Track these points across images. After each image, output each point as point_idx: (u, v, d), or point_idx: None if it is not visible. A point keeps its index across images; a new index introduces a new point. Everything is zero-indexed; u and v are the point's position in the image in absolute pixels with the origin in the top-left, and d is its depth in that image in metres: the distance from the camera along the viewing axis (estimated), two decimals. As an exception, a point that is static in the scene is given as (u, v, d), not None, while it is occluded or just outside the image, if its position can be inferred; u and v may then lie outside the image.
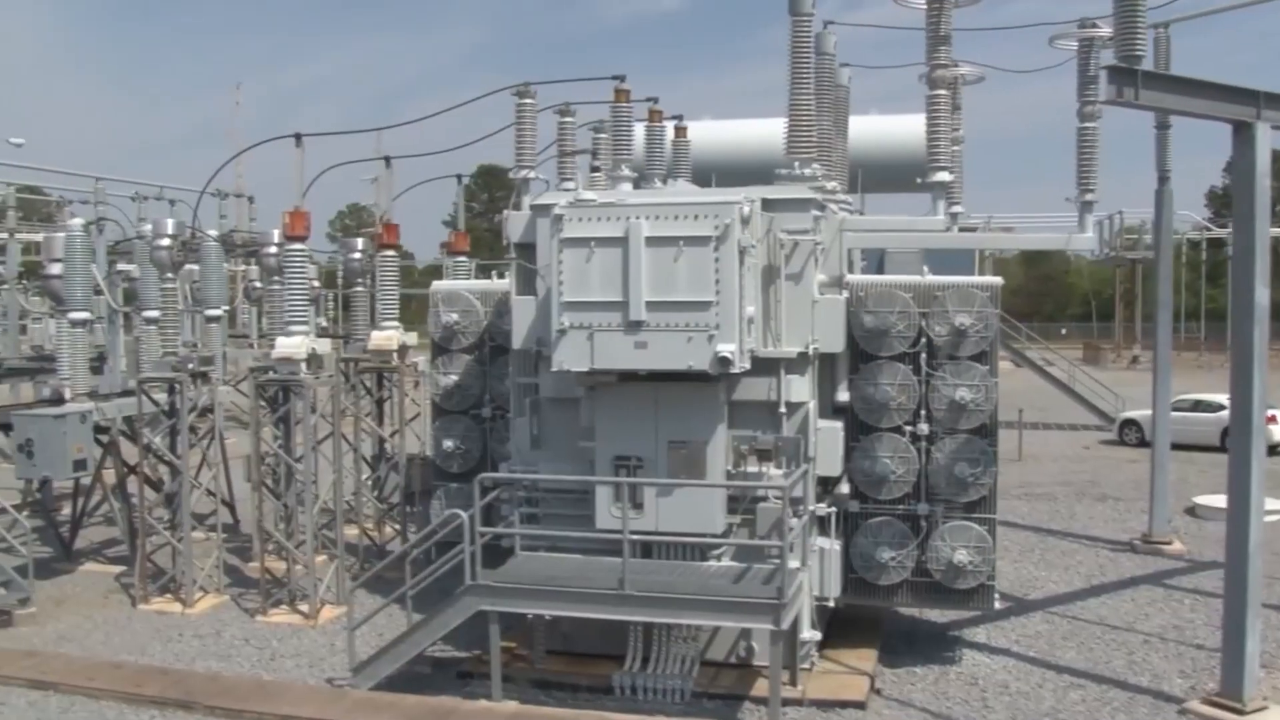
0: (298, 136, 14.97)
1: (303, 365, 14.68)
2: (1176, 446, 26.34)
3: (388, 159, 16.82)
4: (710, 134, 20.40)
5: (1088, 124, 13.31)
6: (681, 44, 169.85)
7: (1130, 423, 31.12)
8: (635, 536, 11.63)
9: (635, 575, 11.44)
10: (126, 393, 17.89)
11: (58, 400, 17.18)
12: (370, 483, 18.58)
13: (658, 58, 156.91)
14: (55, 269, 17.31)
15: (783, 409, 12.41)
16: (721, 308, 11.52)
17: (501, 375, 14.57)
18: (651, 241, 11.61)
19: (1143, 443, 28.16)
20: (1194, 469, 25.97)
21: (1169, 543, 18.76)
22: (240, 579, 16.84)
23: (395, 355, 16.74)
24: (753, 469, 12.44)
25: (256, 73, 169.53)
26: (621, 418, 12.31)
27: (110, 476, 17.66)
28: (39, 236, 25.69)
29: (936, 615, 14.75)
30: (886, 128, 22.05)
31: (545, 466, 12.98)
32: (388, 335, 16.62)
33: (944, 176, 13.31)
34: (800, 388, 12.47)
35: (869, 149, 19.24)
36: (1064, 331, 76.62)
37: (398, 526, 17.79)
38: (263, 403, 15.29)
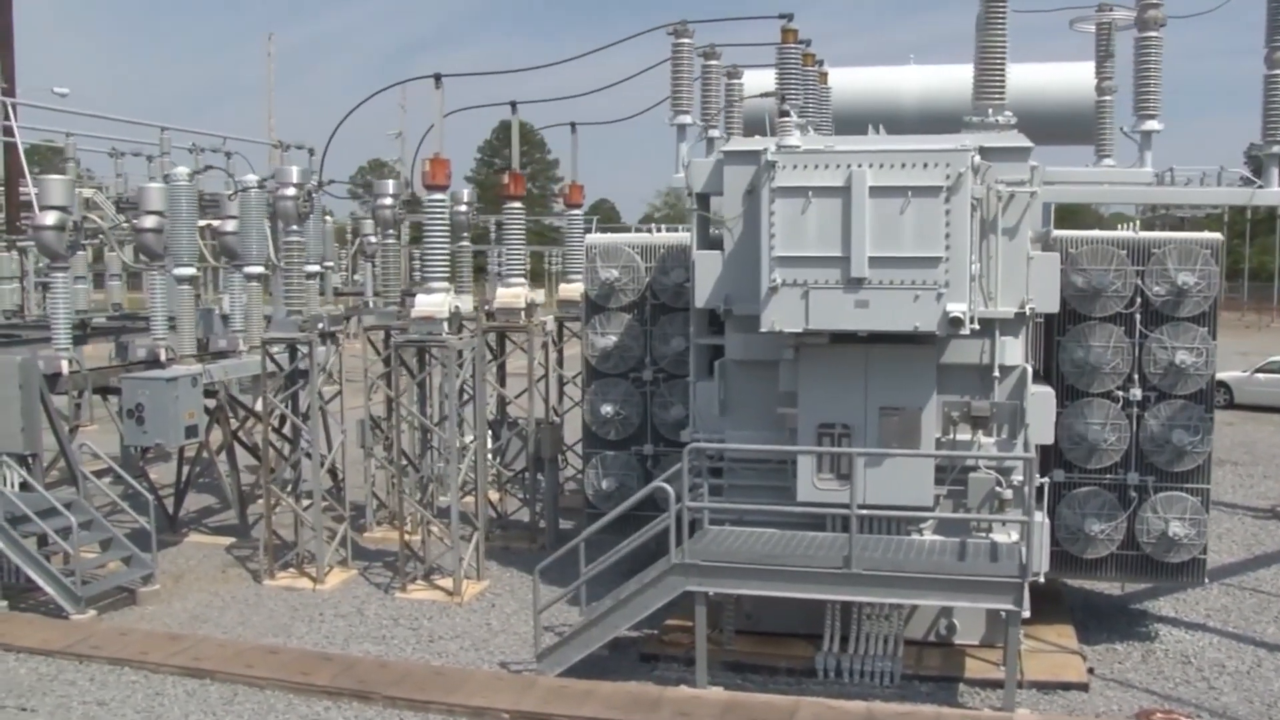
0: (437, 77, 13.99)
1: (444, 325, 13.75)
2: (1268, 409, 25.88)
3: (514, 104, 15.79)
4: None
5: (1277, 70, 12.52)
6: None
7: (1220, 384, 30.49)
8: (864, 511, 10.81)
9: (860, 553, 10.65)
10: (217, 354, 16.98)
11: (154, 361, 16.23)
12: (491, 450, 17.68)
13: (703, 7, 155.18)
14: (149, 222, 16.19)
15: (996, 373, 11.61)
16: (952, 264, 10.68)
17: (665, 336, 13.70)
18: (876, 191, 10.74)
19: (1231, 404, 27.58)
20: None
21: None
22: (358, 551, 15.91)
23: (523, 314, 15.76)
24: (963, 436, 11.67)
25: (262, 30, 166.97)
26: (829, 383, 11.48)
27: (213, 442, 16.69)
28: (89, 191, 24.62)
29: (1105, 587, 14.08)
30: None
31: (733, 434, 12.14)
32: (515, 293, 15.65)
33: (1153, 125, 12.50)
34: (1014, 350, 11.66)
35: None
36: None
37: (521, 495, 16.94)
38: (399, 365, 14.32)
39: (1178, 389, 12.01)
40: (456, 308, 13.88)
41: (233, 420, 16.85)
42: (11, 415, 13.84)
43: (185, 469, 16.93)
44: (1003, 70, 12.57)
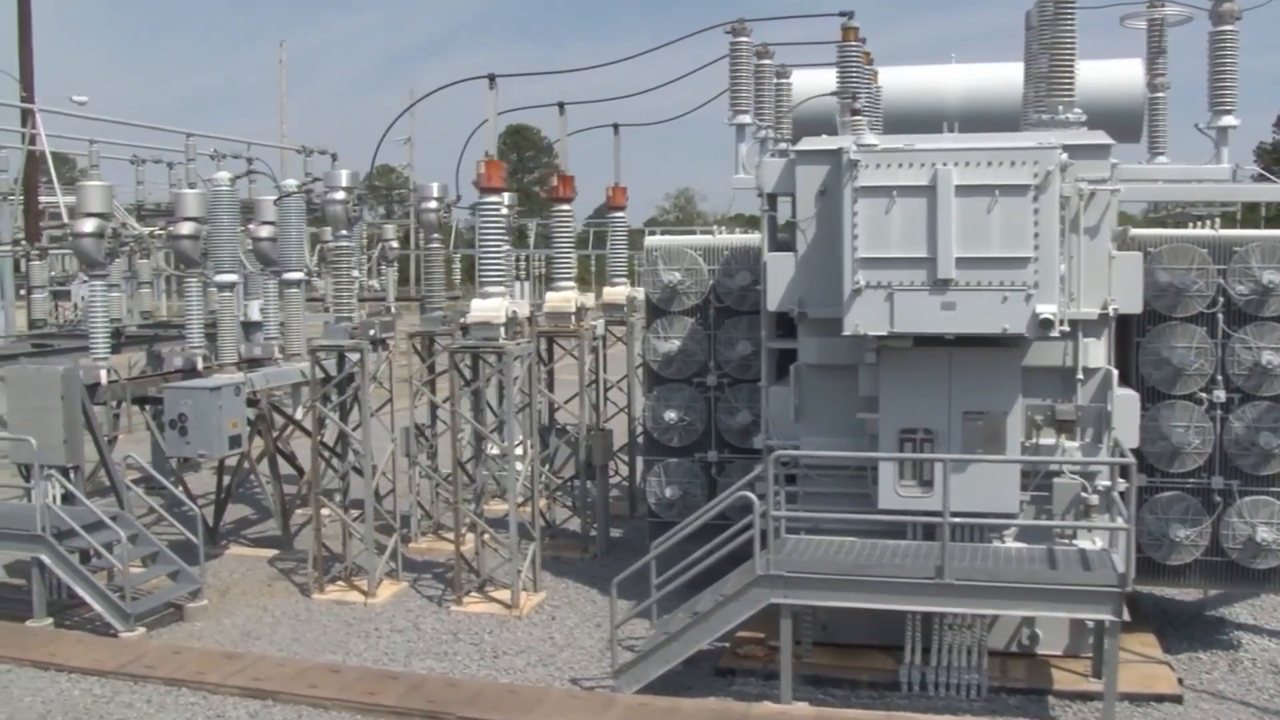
0: (491, 78, 13.69)
1: (502, 330, 13.41)
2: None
3: (561, 105, 15.47)
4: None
5: None
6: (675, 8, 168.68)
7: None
8: (956, 520, 10.47)
9: (954, 563, 10.33)
10: (252, 361, 16.62)
11: (191, 370, 15.89)
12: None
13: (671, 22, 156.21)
14: (185, 228, 15.84)
15: (1080, 375, 11.30)
16: (1041, 264, 10.36)
17: (730, 340, 13.36)
18: (962, 190, 10.43)
19: None
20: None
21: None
22: (405, 562, 15.52)
23: (573, 318, 15.42)
24: (1046, 441, 11.37)
25: (260, 39, 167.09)
26: (911, 387, 11.15)
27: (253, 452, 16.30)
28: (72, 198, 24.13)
29: (1176, 593, 13.76)
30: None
31: (808, 440, 11.81)
32: (565, 297, 15.29)
33: (1229, 121, 12.23)
34: (1097, 352, 11.36)
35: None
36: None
37: (569, 504, 16.60)
38: (454, 371, 13.96)
39: (1263, 390, 11.72)
40: (514, 312, 13.55)
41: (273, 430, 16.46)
42: (54, 427, 13.46)
43: (225, 480, 16.52)
44: (1072, 66, 12.30)
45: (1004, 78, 19.44)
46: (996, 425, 11.06)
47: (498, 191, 13.47)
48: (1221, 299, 11.74)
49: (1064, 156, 10.45)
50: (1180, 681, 11.31)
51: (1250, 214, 58.94)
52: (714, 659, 11.96)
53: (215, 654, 12.21)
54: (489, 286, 13.51)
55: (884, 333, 10.69)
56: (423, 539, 16.80)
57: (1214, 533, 11.92)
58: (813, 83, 17.01)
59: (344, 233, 14.16)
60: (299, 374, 16.24)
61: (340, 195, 13.98)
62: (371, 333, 14.13)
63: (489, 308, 13.41)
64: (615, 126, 17.24)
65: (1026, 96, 13.97)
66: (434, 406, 16.67)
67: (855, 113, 12.10)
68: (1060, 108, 12.18)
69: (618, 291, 17.19)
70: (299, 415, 17.33)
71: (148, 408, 15.93)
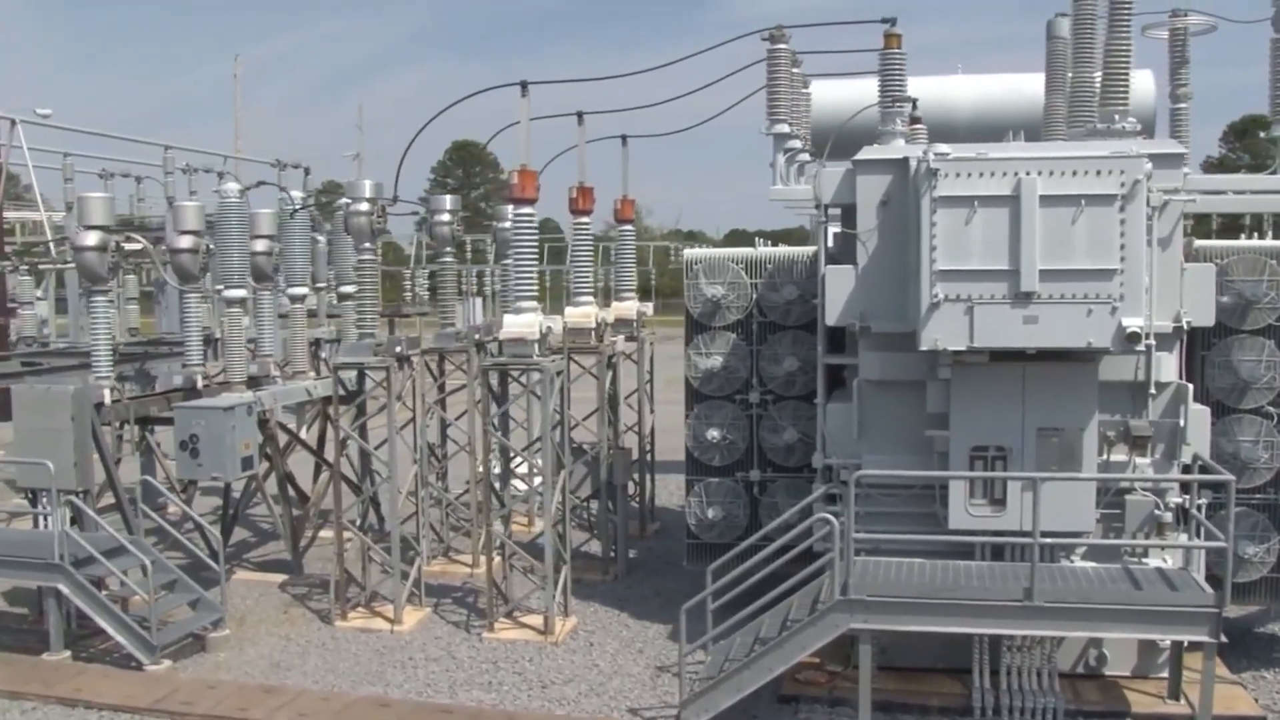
0: (524, 85, 13.13)
1: (535, 347, 12.89)
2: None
3: (580, 114, 14.94)
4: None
5: None
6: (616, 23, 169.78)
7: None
8: (1046, 541, 10.13)
9: (1042, 584, 9.99)
10: (249, 380, 15.90)
11: (191, 389, 15.17)
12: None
13: (604, 40, 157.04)
14: (184, 242, 15.10)
15: (1152, 390, 11.04)
16: (1127, 276, 10.06)
17: (775, 355, 12.95)
18: (1046, 200, 10.11)
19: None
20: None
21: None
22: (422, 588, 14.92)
23: (593, 335, 14.91)
24: (1118, 458, 11.09)
25: (214, 53, 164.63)
26: (984, 402, 10.80)
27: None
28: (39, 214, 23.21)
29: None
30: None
31: (869, 458, 11.42)
32: (585, 313, 14.77)
33: (1289, 130, 12.08)
34: (1169, 366, 11.11)
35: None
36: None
37: (587, 525, 16.08)
38: (486, 389, 13.41)
39: (1332, 404, 11.57)
40: (549, 328, 13.03)
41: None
42: (64, 449, 12.73)
43: (229, 502, 15.79)
44: (1128, 75, 12.10)
45: (1014, 88, 19.37)
46: (1072, 442, 10.76)
47: (531, 202, 12.93)
48: (1289, 312, 11.56)
49: (1149, 166, 10.17)
50: (1255, 700, 11.09)
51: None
52: (773, 686, 11.49)
53: (253, 688, 11.55)
54: (522, 301, 12.98)
55: (963, 347, 10.32)
56: (434, 562, 16.16)
57: (1280, 549, 11.72)
58: (832, 94, 16.81)
59: (367, 245, 13.54)
60: (304, 392, 15.58)
61: (364, 207, 13.38)
62: (398, 349, 13.52)
63: (522, 323, 12.88)
64: (623, 138, 16.73)
65: (1050, 106, 13.75)
66: (444, 425, 16.08)
67: (915, 120, 11.76)
68: (1116, 116, 11.97)
69: (627, 306, 16.71)
70: (303, 434, 16.64)
71: (130, 428, 15.01)
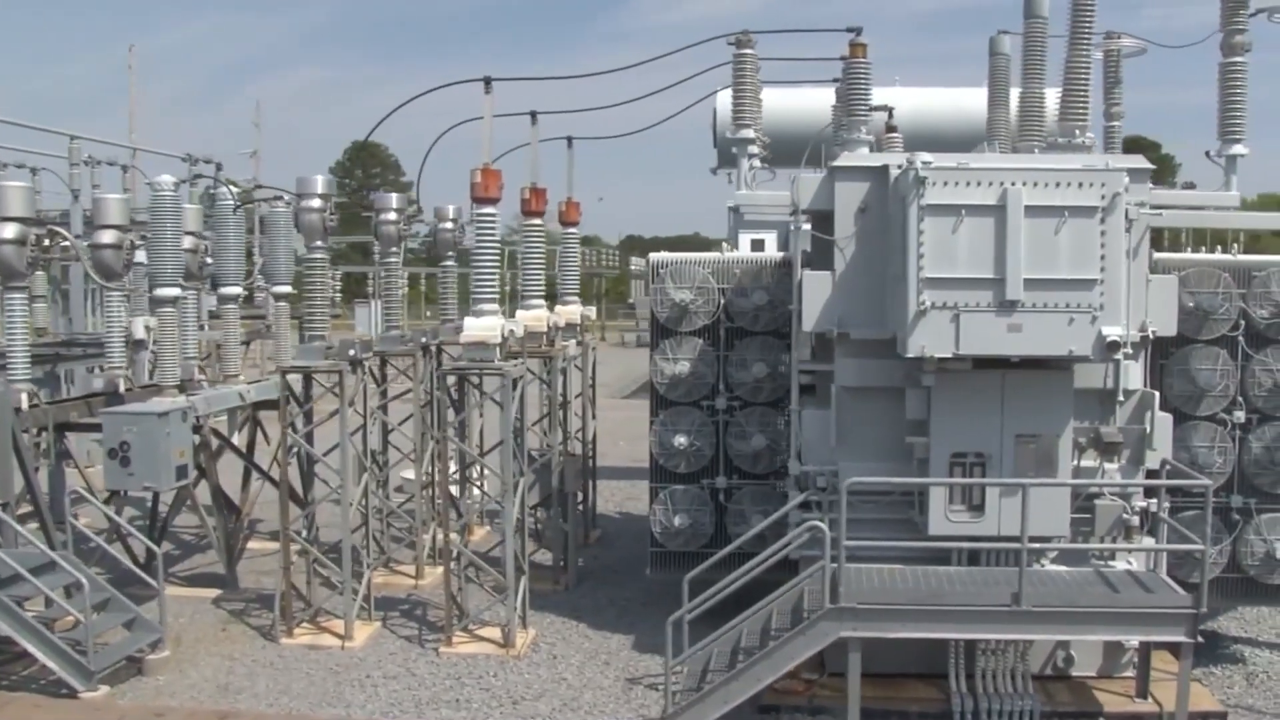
0: (487, 81, 12.81)
1: (497, 351, 12.57)
2: None
3: (534, 114, 14.62)
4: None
5: None
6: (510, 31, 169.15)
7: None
8: (1034, 546, 10.27)
9: (1029, 589, 10.11)
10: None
11: (114, 394, 14.44)
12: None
13: (490, 43, 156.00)
14: (107, 237, 14.33)
15: (1121, 397, 11.29)
16: (1107, 286, 10.25)
17: (744, 361, 12.86)
18: (1031, 211, 10.23)
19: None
20: None
21: None
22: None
23: (545, 339, 14.62)
24: (1088, 463, 11.31)
25: (99, 44, 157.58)
26: (964, 409, 10.88)
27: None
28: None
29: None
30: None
31: (846, 465, 11.41)
32: (537, 316, 14.44)
33: (1239, 150, 12.50)
34: (1135, 374, 11.38)
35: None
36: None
37: (535, 533, 15.76)
38: (445, 394, 13.02)
39: (1281, 411, 12.01)
40: (511, 331, 12.72)
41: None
42: (-15, 458, 11.93)
43: (156, 513, 15.02)
44: (1088, 91, 12.38)
45: (951, 102, 19.70)
46: (1049, 448, 10.92)
47: (494, 202, 12.61)
48: (1243, 322, 11.94)
49: (1127, 179, 10.39)
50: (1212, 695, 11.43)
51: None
52: (753, 697, 11.38)
53: (205, 714, 10.99)
54: (483, 304, 12.65)
55: (949, 354, 10.38)
56: (374, 573, 15.61)
57: (1233, 550, 12.10)
58: (783, 102, 16.86)
59: (318, 244, 13.02)
60: (238, 397, 14.93)
61: (316, 204, 12.87)
62: (351, 352, 13.04)
63: (484, 326, 12.55)
64: (569, 139, 16.52)
65: (993, 120, 13.96)
66: (387, 431, 15.61)
67: (891, 129, 11.81)
68: (1076, 131, 12.23)
69: (571, 310, 16.47)
70: (235, 440, 15.95)
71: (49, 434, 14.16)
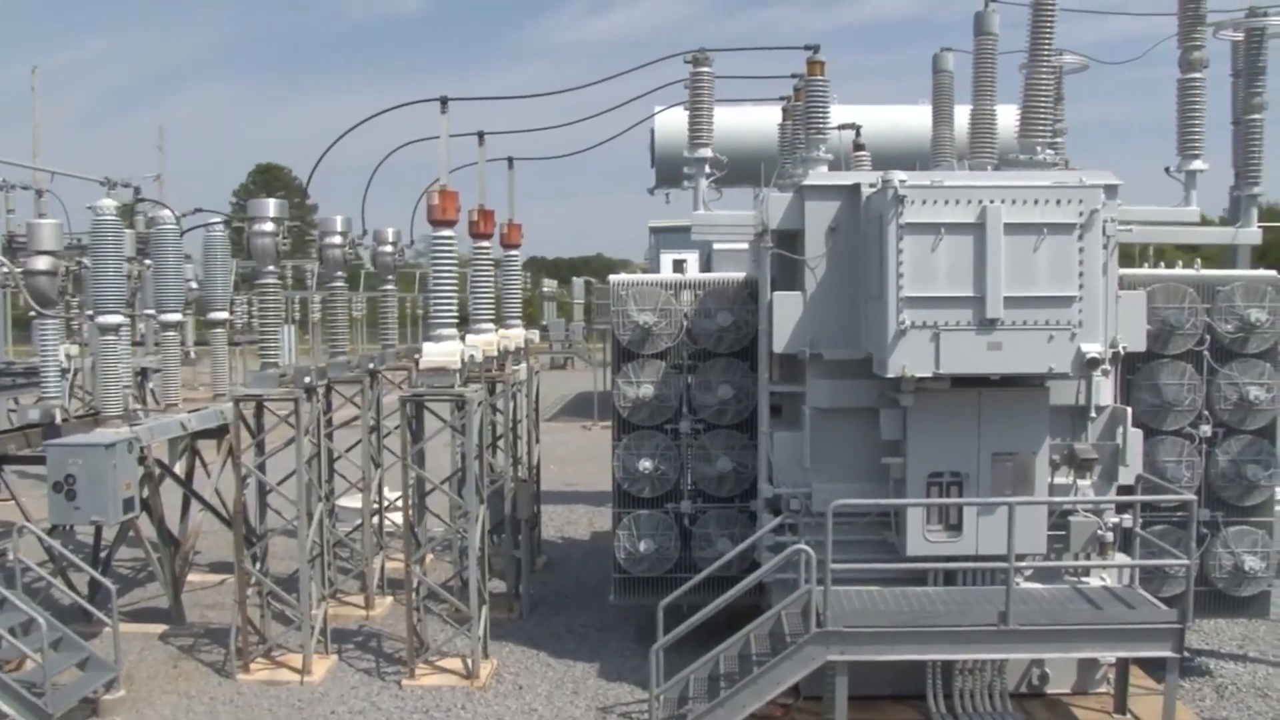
0: (443, 100, 12.50)
1: (457, 377, 12.25)
2: None
3: (481, 134, 14.32)
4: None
5: (1254, 115, 13.08)
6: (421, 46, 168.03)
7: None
8: (1021, 565, 10.24)
9: (1015, 607, 10.04)
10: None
11: (50, 424, 13.87)
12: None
13: (400, 59, 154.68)
14: (41, 263, 13.78)
15: (1093, 414, 11.30)
16: (1085, 303, 10.26)
17: (708, 384, 12.65)
18: (1011, 228, 10.19)
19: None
20: None
21: None
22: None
23: (496, 364, 14.29)
24: (1062, 480, 11.29)
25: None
26: (941, 429, 10.81)
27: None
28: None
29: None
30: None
31: (820, 487, 11.27)
32: (488, 340, 14.07)
33: (1198, 165, 12.62)
34: (1106, 390, 11.40)
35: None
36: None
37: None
38: (405, 421, 12.63)
39: (1247, 424, 12.11)
40: (470, 356, 12.40)
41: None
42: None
43: (99, 546, 14.40)
44: (1049, 107, 12.40)
45: (890, 120, 19.73)
46: (1025, 466, 10.89)
47: (451, 224, 12.30)
48: (1208, 336, 12.04)
49: (1104, 196, 10.40)
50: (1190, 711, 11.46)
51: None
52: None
53: (166, 759, 10.47)
54: (442, 329, 12.32)
55: (929, 374, 10.29)
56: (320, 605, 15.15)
57: (1201, 564, 12.16)
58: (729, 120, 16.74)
59: (270, 269, 12.59)
60: (180, 426, 14.38)
61: (268, 227, 12.44)
62: (307, 380, 12.61)
63: (443, 352, 12.23)
64: (509, 160, 16.15)
65: (938, 137, 13.98)
66: (333, 459, 15.16)
67: (860, 148, 11.73)
68: (1038, 148, 12.24)
69: (514, 334, 16.14)
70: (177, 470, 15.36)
71: None
